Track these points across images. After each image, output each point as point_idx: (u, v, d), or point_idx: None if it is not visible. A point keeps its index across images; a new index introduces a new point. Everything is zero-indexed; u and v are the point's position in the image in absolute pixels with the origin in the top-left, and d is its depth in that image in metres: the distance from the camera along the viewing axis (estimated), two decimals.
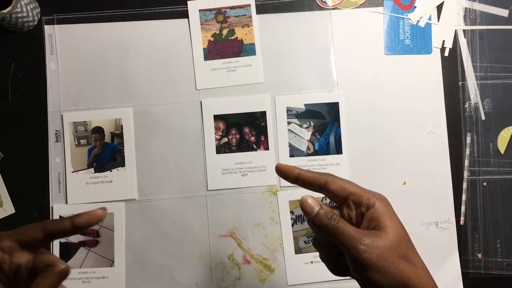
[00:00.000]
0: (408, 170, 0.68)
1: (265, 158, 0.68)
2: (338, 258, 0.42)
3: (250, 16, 0.69)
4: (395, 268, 0.37)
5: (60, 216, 0.66)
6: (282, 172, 0.43)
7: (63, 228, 0.39)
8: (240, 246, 0.67)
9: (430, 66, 0.69)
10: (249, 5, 0.69)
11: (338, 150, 0.68)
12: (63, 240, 0.66)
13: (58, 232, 0.39)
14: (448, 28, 0.70)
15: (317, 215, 0.39)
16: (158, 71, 0.69)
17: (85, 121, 0.68)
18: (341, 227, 0.38)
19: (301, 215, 0.67)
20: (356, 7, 0.70)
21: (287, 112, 0.68)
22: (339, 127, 0.68)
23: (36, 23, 0.68)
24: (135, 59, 0.69)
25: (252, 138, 0.68)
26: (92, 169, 0.67)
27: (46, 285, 0.37)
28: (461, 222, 0.68)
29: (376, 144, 0.69)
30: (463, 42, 0.70)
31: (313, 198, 0.40)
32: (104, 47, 0.69)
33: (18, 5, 0.62)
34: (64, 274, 0.38)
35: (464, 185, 0.68)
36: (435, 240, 0.68)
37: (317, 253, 0.67)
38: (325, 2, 0.70)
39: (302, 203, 0.41)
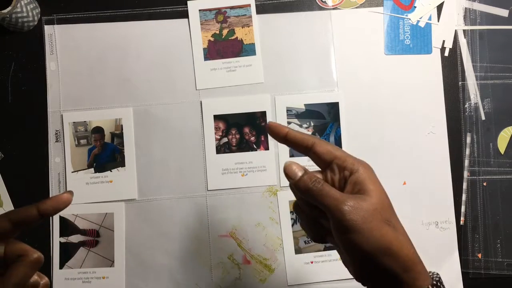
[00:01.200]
0: (408, 170, 0.68)
1: (265, 158, 0.68)
2: (317, 222, 0.43)
3: (250, 16, 0.69)
4: (379, 232, 0.37)
5: (60, 216, 0.66)
6: (272, 130, 0.44)
7: (30, 216, 0.38)
8: (240, 246, 0.67)
9: (430, 66, 0.69)
10: (249, 5, 0.69)
11: None
12: (63, 240, 0.66)
13: (25, 220, 0.38)
14: (448, 28, 0.70)
15: (300, 179, 0.40)
16: (158, 71, 0.68)
17: (85, 121, 0.68)
18: (325, 190, 0.39)
19: None
20: (356, 7, 0.70)
21: (287, 112, 0.68)
22: (339, 127, 0.68)
23: (36, 23, 0.68)
24: (135, 59, 0.68)
25: (252, 138, 0.68)
26: (92, 169, 0.67)
27: (19, 275, 0.36)
28: (461, 222, 0.68)
29: (376, 144, 0.69)
30: (463, 42, 0.70)
31: (297, 164, 0.41)
32: (104, 47, 0.69)
33: (18, 5, 0.62)
34: (37, 263, 0.37)
35: (464, 185, 0.68)
36: (435, 240, 0.68)
37: (317, 253, 0.67)
38: (325, 2, 0.70)
39: (285, 168, 0.41)
